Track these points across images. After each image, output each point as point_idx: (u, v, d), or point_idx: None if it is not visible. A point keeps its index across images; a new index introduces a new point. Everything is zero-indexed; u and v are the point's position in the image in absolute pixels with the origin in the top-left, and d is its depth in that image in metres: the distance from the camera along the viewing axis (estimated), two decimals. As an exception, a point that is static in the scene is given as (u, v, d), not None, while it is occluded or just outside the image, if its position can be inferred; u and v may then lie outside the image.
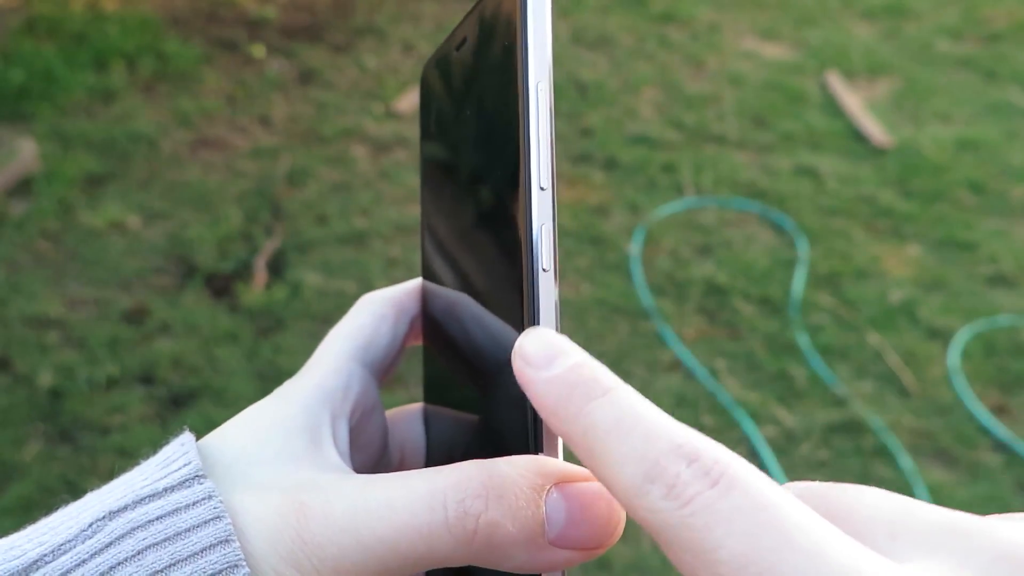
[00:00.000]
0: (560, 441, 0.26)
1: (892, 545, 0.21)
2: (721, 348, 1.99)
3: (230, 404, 1.85)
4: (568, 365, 0.24)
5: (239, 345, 2.01)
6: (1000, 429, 1.78)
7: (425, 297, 0.36)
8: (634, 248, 2.29)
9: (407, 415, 0.38)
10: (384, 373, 0.35)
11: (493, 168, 0.28)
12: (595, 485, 0.25)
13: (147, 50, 3.22)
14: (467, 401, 0.32)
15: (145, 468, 0.27)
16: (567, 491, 0.25)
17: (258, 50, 3.31)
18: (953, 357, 1.96)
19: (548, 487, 0.25)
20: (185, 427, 0.29)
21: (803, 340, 2.00)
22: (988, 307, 2.10)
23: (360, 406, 0.32)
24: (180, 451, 0.27)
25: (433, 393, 0.37)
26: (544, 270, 0.26)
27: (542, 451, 0.26)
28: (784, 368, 1.93)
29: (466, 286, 0.31)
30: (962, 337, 2.01)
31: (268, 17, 3.54)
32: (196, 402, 1.86)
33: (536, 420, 0.26)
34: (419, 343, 0.37)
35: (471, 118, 0.31)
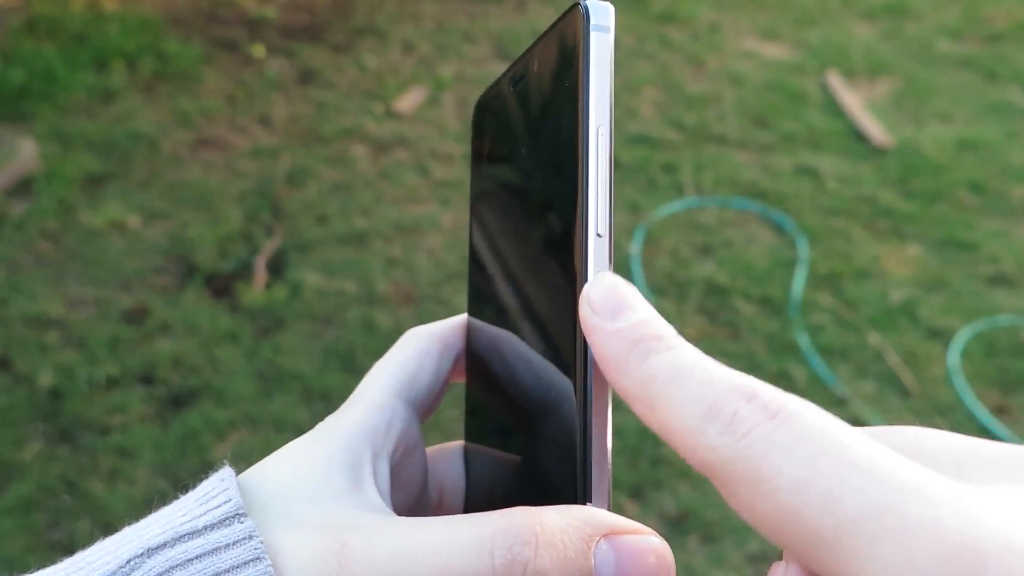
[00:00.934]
0: (609, 492, 0.26)
1: (960, 473, 0.21)
2: (721, 348, 1.99)
3: (230, 404, 1.85)
4: (634, 320, 0.24)
5: (239, 345, 2.01)
6: (1000, 429, 1.78)
7: (471, 334, 0.35)
8: (634, 248, 2.29)
9: (447, 453, 0.37)
10: (427, 410, 0.34)
11: (549, 210, 0.28)
12: (645, 538, 0.25)
13: (147, 50, 3.22)
14: (511, 442, 0.31)
15: (184, 503, 0.27)
16: (617, 543, 0.25)
17: (258, 50, 3.31)
18: (953, 357, 1.96)
19: (598, 538, 0.25)
20: (225, 461, 0.29)
21: (803, 340, 2.00)
22: (988, 307, 2.10)
23: (402, 444, 0.32)
24: (220, 487, 0.27)
25: (475, 432, 0.36)
26: None
27: (591, 501, 0.26)
28: (784, 368, 1.93)
29: (516, 326, 0.30)
30: (962, 337, 2.01)
31: (268, 17, 3.54)
32: (196, 402, 1.86)
33: (586, 469, 0.25)
34: (462, 380, 0.36)
35: (527, 156, 0.30)
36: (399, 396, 0.32)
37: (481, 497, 0.34)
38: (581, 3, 0.26)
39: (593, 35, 0.26)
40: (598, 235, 0.25)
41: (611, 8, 0.26)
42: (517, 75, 0.32)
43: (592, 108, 0.26)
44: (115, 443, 1.75)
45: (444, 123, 2.89)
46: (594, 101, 0.26)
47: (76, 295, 2.16)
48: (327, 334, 2.05)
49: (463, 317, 0.36)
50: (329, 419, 0.31)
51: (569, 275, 0.26)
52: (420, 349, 0.34)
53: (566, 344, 0.26)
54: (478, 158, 0.37)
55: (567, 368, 0.26)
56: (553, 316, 0.27)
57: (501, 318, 0.32)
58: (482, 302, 0.34)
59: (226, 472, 0.28)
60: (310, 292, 2.17)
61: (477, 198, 0.36)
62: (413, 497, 0.33)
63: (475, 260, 0.36)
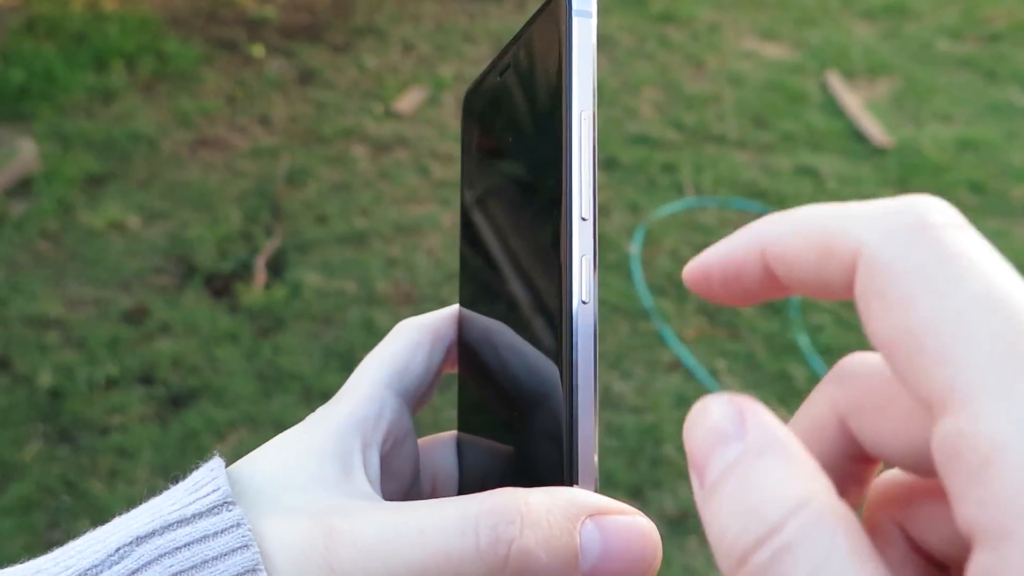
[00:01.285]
0: (595, 476, 0.26)
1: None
2: (721, 348, 1.99)
3: (230, 404, 1.85)
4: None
5: (239, 345, 2.01)
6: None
7: (462, 325, 0.36)
8: (634, 248, 2.29)
9: (440, 444, 0.37)
10: (418, 401, 0.34)
11: (535, 196, 0.28)
12: (631, 518, 0.25)
13: (147, 50, 3.22)
14: (502, 431, 0.32)
15: (174, 493, 0.27)
16: (603, 523, 0.25)
17: (258, 50, 3.31)
18: (953, 357, 1.95)
19: (583, 518, 0.25)
20: (215, 452, 0.29)
21: (803, 340, 2.00)
22: (988, 307, 2.10)
23: (392, 434, 0.32)
24: (209, 476, 0.27)
25: (468, 422, 0.36)
26: (583, 302, 0.25)
27: (577, 483, 0.26)
28: (784, 368, 1.93)
29: (505, 315, 0.31)
30: (962, 337, 2.01)
31: (268, 17, 3.54)
32: (196, 402, 1.86)
33: (572, 452, 0.26)
34: (454, 371, 0.37)
35: (514, 146, 0.31)
36: (389, 387, 0.32)
37: (474, 487, 0.34)
38: None
39: (575, 20, 0.26)
40: (582, 219, 0.25)
41: None
42: (504, 64, 0.32)
43: (575, 93, 0.26)
44: (115, 443, 1.75)
45: (444, 123, 2.89)
46: (577, 86, 0.26)
47: (76, 295, 2.16)
48: (327, 334, 2.05)
49: (455, 308, 0.36)
50: (320, 410, 0.31)
51: (554, 260, 0.26)
52: (411, 340, 0.34)
53: (552, 330, 0.26)
54: (467, 148, 0.37)
55: (553, 354, 0.26)
56: (539, 302, 0.27)
57: (490, 307, 0.32)
58: (472, 292, 0.35)
59: (215, 462, 0.28)
60: (310, 292, 2.17)
61: (467, 188, 0.37)
62: (405, 487, 0.34)
63: (465, 250, 0.36)
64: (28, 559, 0.26)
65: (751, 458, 0.18)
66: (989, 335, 0.16)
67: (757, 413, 0.19)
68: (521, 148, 0.30)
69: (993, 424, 0.15)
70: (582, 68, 0.26)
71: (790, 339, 2.01)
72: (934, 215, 0.18)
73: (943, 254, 0.17)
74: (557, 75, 0.26)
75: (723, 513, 0.18)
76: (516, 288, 0.30)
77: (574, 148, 0.26)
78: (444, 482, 0.36)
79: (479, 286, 0.34)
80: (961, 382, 0.16)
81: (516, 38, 0.31)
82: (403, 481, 0.33)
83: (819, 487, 0.18)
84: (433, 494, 0.36)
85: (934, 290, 0.17)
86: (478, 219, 0.35)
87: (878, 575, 0.16)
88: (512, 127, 0.31)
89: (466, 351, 0.35)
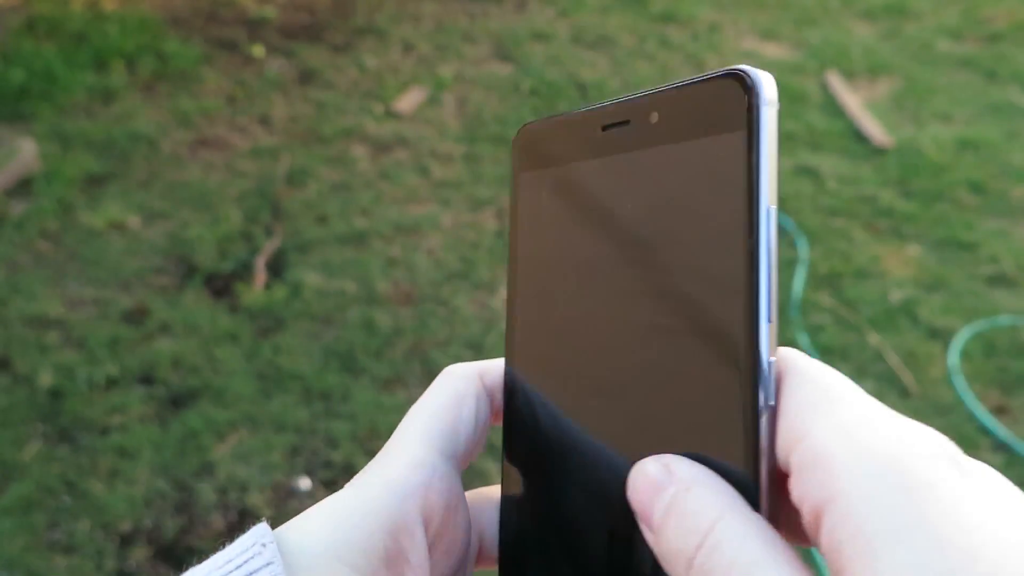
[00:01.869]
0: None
1: None
2: (721, 348, 1.99)
3: (230, 404, 1.85)
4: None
5: (239, 345, 2.01)
6: (1000, 429, 1.78)
7: (513, 389, 0.33)
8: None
9: (486, 500, 0.35)
10: (467, 457, 0.33)
11: (692, 286, 0.26)
12: None
13: (147, 50, 3.22)
14: (585, 530, 0.29)
15: (222, 559, 0.27)
16: None
17: (258, 50, 3.32)
18: (953, 357, 1.95)
19: None
20: (264, 519, 0.28)
21: (803, 340, 2.00)
22: (988, 307, 2.10)
23: (442, 503, 0.31)
24: (259, 549, 0.26)
25: (521, 494, 0.34)
26: (770, 404, 0.24)
27: None
28: (784, 368, 1.93)
29: (627, 410, 0.28)
30: (962, 337, 2.01)
31: (268, 17, 3.54)
32: (196, 402, 1.86)
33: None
34: (498, 424, 0.34)
35: (642, 218, 0.28)
36: (436, 449, 0.31)
37: (517, 559, 0.33)
38: (746, 72, 0.25)
39: (764, 110, 0.25)
40: (768, 321, 0.24)
41: (774, 80, 0.25)
42: (615, 117, 0.29)
43: (763, 189, 0.24)
44: (115, 443, 1.75)
45: (444, 123, 2.89)
46: (765, 181, 0.25)
47: (76, 295, 2.16)
48: (327, 334, 2.05)
49: (500, 362, 0.34)
50: (367, 475, 0.30)
51: (731, 362, 0.25)
52: (458, 393, 0.33)
53: (727, 436, 0.25)
54: (534, 198, 0.33)
55: (736, 460, 0.25)
56: (704, 406, 0.25)
57: (598, 398, 0.29)
58: (556, 370, 0.31)
59: (263, 530, 0.27)
60: (310, 292, 2.17)
61: (538, 241, 0.33)
62: (458, 557, 0.32)
63: (535, 316, 0.33)
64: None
65: (682, 494, 0.24)
66: (811, 396, 0.24)
67: (680, 462, 0.25)
68: (662, 226, 0.27)
69: (817, 437, 0.23)
70: (770, 162, 0.25)
71: (790, 339, 2.01)
72: None
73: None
74: (736, 164, 0.25)
75: (670, 538, 0.24)
76: (656, 386, 0.27)
77: (762, 247, 0.24)
78: (491, 541, 0.35)
79: (568, 368, 0.31)
80: (799, 424, 0.24)
81: (644, 95, 0.29)
82: (457, 547, 0.32)
83: (733, 501, 0.24)
84: (480, 554, 0.35)
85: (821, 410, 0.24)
86: (559, 281, 0.32)
87: (780, 552, 0.22)
88: (639, 196, 0.28)
89: (530, 422, 0.33)
